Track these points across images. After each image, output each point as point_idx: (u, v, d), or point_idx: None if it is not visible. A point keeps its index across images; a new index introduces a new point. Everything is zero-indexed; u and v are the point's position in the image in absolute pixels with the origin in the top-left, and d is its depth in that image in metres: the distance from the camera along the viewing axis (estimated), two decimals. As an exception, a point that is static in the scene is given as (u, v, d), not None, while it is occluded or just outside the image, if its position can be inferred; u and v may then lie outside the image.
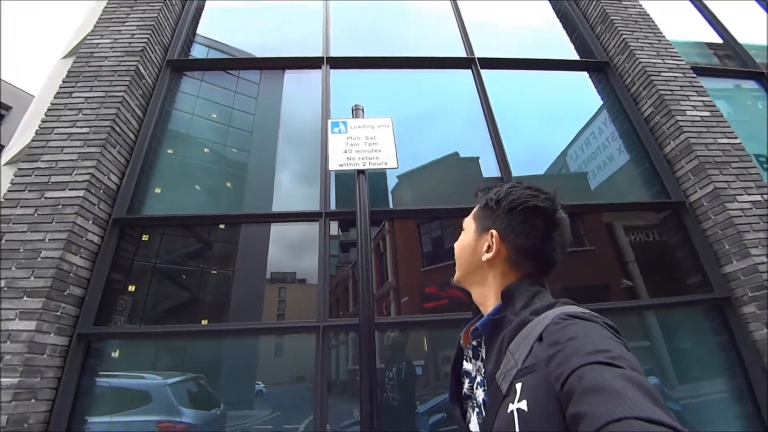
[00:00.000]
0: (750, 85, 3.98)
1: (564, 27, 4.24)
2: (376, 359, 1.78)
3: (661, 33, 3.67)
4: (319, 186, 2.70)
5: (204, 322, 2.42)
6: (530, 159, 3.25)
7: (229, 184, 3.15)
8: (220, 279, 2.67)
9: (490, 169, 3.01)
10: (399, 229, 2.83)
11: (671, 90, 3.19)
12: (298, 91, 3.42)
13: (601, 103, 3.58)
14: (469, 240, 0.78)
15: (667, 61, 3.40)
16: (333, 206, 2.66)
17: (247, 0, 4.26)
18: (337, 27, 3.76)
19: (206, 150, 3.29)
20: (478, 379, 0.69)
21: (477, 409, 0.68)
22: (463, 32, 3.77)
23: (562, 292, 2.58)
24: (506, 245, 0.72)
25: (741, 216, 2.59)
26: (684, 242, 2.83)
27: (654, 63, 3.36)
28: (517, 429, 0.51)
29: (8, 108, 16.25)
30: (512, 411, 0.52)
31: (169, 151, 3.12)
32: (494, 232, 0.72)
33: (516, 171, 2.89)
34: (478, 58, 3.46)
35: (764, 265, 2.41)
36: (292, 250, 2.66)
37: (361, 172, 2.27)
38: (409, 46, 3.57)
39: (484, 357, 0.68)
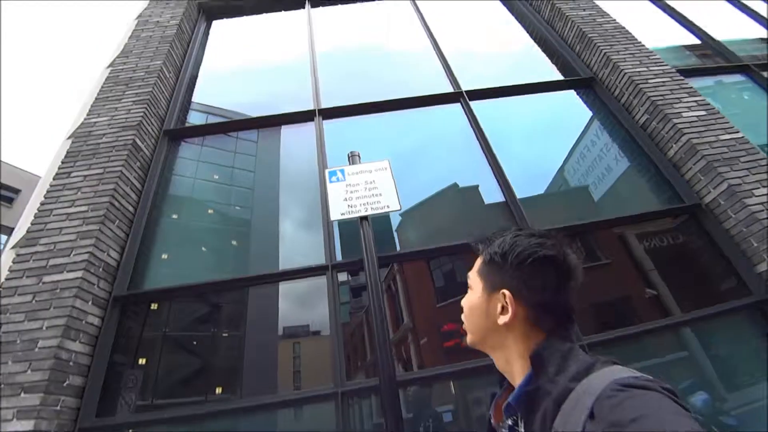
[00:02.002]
0: (734, 78, 4.00)
1: (544, 51, 4.36)
2: (402, 420, 1.60)
3: (640, 42, 3.75)
4: (322, 237, 2.63)
5: (218, 390, 2.28)
6: (530, 180, 3.19)
7: (234, 242, 3.10)
8: (232, 342, 2.55)
9: (491, 195, 2.94)
10: (409, 266, 2.72)
11: (662, 95, 3.18)
12: (295, 144, 3.46)
13: (593, 117, 3.58)
14: (479, 301, 0.71)
15: (652, 68, 3.43)
16: (339, 256, 2.57)
17: (239, 64, 4.45)
18: (325, 78, 3.88)
19: (210, 211, 3.27)
20: None
21: None
22: (447, 67, 3.87)
23: (587, 311, 2.41)
24: (522, 304, 0.65)
25: (763, 210, 2.46)
26: (709, 246, 2.68)
27: (639, 72, 3.39)
28: None
29: (17, 191, 16.80)
30: None
31: (174, 216, 3.10)
32: (506, 292, 0.66)
33: (519, 194, 2.82)
34: (466, 91, 3.52)
35: (804, 261, 2.26)
36: (303, 304, 2.56)
37: (364, 218, 2.21)
38: (396, 88, 3.64)
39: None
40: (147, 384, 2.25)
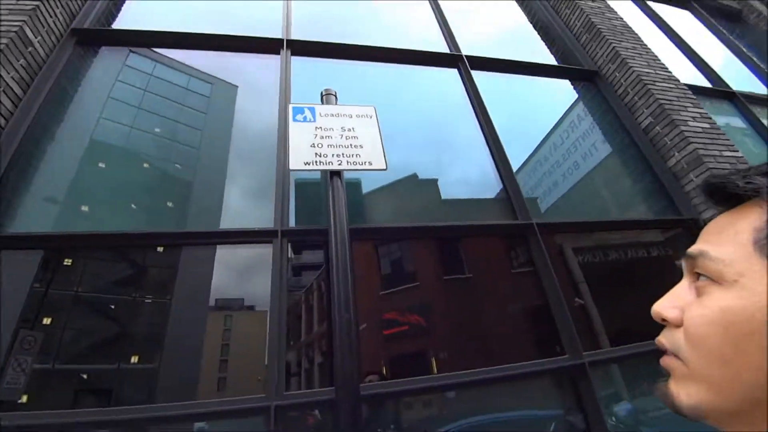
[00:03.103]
0: (722, 104, 3.96)
1: (543, 37, 4.02)
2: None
3: (646, 45, 3.53)
4: (274, 197, 2.00)
5: (134, 359, 1.83)
6: (528, 169, 2.83)
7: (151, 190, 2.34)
8: (156, 308, 2.08)
9: (487, 176, 2.52)
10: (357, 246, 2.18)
11: (669, 100, 2.96)
12: (254, 83, 2.73)
13: (591, 112, 3.30)
14: (760, 315, 0.28)
15: (659, 72, 3.21)
16: (292, 222, 1.98)
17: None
18: (300, 5, 3.16)
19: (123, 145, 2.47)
20: None
21: None
22: (446, 27, 3.36)
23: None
24: None
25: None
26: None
27: (647, 72, 3.15)
28: None
29: None
30: None
31: (66, 141, 2.26)
32: None
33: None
34: (467, 56, 3.04)
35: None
36: (242, 273, 2.04)
37: (335, 173, 1.64)
38: (385, 37, 3.06)
39: None
40: (50, 346, 1.77)
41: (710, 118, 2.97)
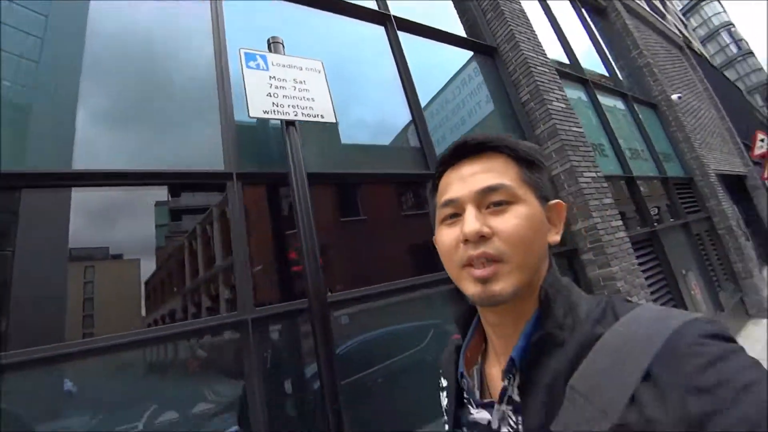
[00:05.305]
0: (575, 88, 5.12)
1: (456, 7, 4.44)
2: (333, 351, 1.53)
3: (534, 31, 4.27)
4: (221, 140, 2.05)
5: None
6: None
7: None
8: None
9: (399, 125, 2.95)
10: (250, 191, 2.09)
11: (543, 82, 3.78)
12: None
13: (487, 83, 3.96)
14: (541, 216, 0.51)
15: (539, 57, 4.00)
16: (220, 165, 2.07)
17: None
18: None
19: None
20: (505, 431, 0.48)
21: None
22: (376, -16, 3.48)
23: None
24: None
25: (587, 187, 3.35)
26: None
27: (532, 57, 3.90)
28: None
29: None
30: None
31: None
32: (562, 203, 0.54)
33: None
34: (395, 17, 3.28)
35: (599, 223, 3.22)
36: (101, 218, 1.72)
37: (290, 124, 1.87)
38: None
39: (516, 398, 0.48)
40: None
41: (567, 100, 3.92)
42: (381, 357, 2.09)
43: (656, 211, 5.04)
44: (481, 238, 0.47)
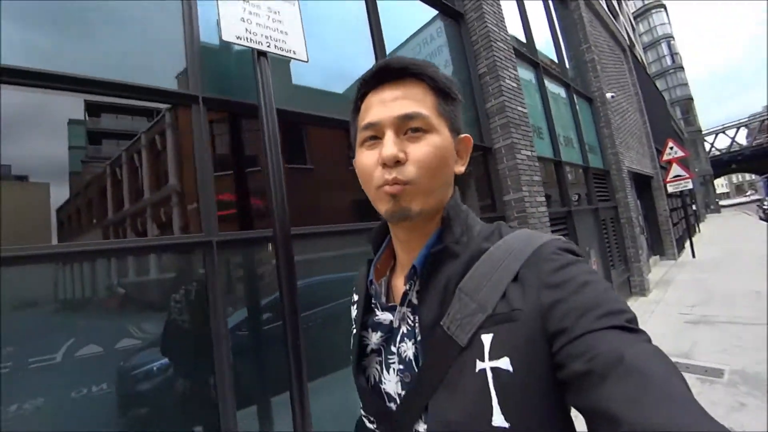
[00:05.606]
0: (528, 70, 5.50)
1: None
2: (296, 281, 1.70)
3: (500, 5, 4.44)
4: (185, 61, 1.98)
5: None
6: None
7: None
8: None
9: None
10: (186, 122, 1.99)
11: (500, 59, 4.04)
12: None
13: (450, 48, 4.10)
14: (451, 146, 0.56)
15: (501, 33, 4.21)
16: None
17: None
18: None
19: None
20: (404, 329, 0.55)
21: (398, 366, 0.55)
22: None
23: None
24: None
25: (522, 164, 3.79)
26: (485, 177, 3.91)
27: (495, 31, 4.10)
28: (492, 393, 0.41)
29: None
30: (483, 370, 0.43)
31: None
32: (469, 136, 0.61)
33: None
34: (371, -37, 3.21)
35: (527, 197, 3.71)
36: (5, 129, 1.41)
37: (262, 54, 1.88)
38: None
39: (415, 301, 0.55)
40: None
41: (518, 80, 4.25)
42: (319, 301, 2.24)
43: (576, 195, 5.82)
44: (397, 162, 0.50)
